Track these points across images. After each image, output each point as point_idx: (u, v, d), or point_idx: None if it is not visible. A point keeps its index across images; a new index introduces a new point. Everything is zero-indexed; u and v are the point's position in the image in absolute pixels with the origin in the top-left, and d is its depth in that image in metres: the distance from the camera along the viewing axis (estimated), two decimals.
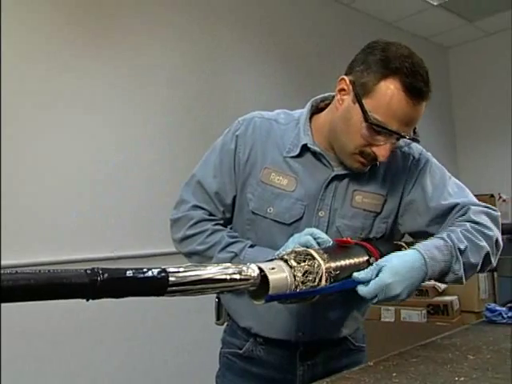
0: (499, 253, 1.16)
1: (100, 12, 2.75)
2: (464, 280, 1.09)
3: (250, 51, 3.48)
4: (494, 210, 1.18)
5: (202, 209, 1.20)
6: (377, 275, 0.99)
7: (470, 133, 5.16)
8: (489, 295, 2.79)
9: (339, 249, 1.03)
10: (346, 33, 4.18)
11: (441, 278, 1.07)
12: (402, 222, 1.22)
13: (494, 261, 1.14)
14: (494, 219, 1.16)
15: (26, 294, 0.64)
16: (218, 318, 1.31)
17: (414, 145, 1.23)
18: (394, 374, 0.96)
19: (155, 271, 0.76)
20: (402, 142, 1.13)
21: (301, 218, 1.15)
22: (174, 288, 0.78)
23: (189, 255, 1.22)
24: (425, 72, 1.05)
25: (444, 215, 1.16)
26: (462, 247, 1.07)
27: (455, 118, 5.30)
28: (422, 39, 4.89)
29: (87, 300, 0.72)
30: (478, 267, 1.11)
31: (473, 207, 1.15)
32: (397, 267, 0.99)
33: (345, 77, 1.11)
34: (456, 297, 2.97)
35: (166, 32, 3.04)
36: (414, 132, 1.10)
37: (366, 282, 0.99)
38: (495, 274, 2.31)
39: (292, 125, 1.20)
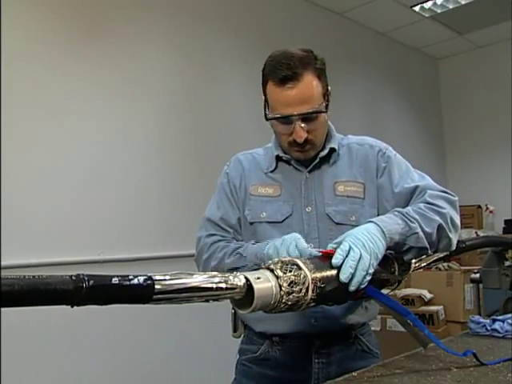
0: (457, 233, 1.23)
1: (92, 18, 2.75)
2: (425, 243, 1.14)
3: (242, 59, 3.48)
4: (452, 195, 1.27)
5: (214, 235, 1.34)
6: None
7: (459, 144, 5.21)
8: (474, 306, 2.81)
9: (325, 259, 1.03)
10: (339, 42, 4.20)
11: (402, 241, 1.12)
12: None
13: (452, 237, 1.20)
14: (449, 201, 1.24)
15: (10, 300, 0.64)
16: (235, 330, 1.36)
17: (379, 141, 1.40)
18: None
19: (141, 279, 0.76)
20: (322, 117, 1.24)
21: (291, 214, 1.30)
22: (159, 296, 0.78)
23: None
24: (290, 57, 1.20)
25: (407, 200, 1.27)
26: (414, 217, 1.15)
27: (445, 128, 5.35)
28: (413, 50, 4.93)
29: (72, 306, 0.71)
30: (434, 237, 1.16)
31: (429, 191, 1.24)
32: (356, 235, 1.05)
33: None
34: (442, 307, 2.98)
35: (158, 38, 3.05)
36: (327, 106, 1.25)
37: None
38: (480, 286, 2.32)
39: (269, 152, 1.41)
